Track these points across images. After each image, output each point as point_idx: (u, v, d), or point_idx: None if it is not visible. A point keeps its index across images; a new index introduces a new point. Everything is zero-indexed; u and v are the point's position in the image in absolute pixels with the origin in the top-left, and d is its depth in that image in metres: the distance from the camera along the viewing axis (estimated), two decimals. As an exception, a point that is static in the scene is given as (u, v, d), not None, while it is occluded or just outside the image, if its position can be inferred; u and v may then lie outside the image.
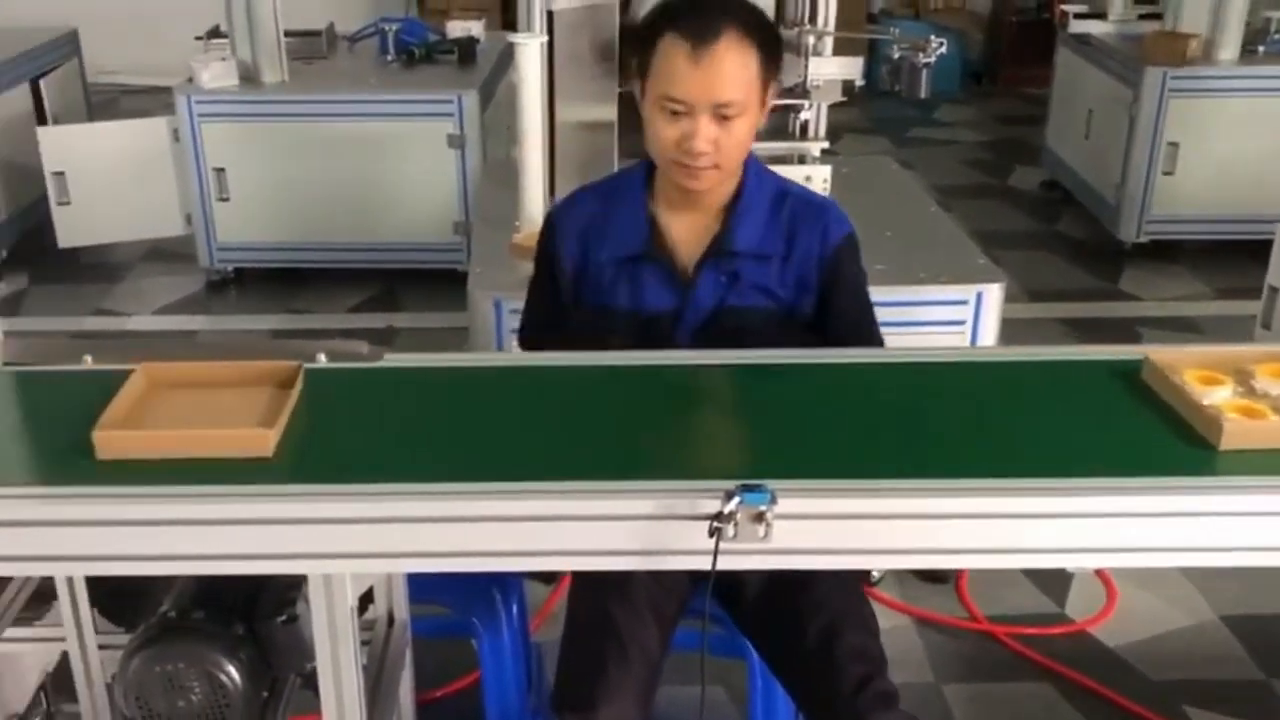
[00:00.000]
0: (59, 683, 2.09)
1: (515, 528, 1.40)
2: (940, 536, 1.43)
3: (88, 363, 1.74)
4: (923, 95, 3.05)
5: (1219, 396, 1.59)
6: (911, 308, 2.72)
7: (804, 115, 3.35)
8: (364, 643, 1.88)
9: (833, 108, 3.25)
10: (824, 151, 3.43)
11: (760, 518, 1.38)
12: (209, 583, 1.68)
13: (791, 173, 3.40)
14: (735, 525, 1.37)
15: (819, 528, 1.41)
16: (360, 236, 4.61)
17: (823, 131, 3.43)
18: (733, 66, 1.84)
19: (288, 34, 4.86)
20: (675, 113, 1.87)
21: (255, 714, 1.67)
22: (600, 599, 1.90)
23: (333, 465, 1.47)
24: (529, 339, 2.21)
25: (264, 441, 1.45)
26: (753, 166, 2.02)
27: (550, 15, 3.20)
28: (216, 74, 4.44)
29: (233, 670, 1.61)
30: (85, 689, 1.89)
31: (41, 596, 1.87)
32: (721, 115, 1.86)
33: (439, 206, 4.50)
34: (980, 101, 7.83)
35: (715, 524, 1.36)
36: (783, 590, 1.94)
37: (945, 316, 2.75)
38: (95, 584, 1.81)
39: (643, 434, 1.60)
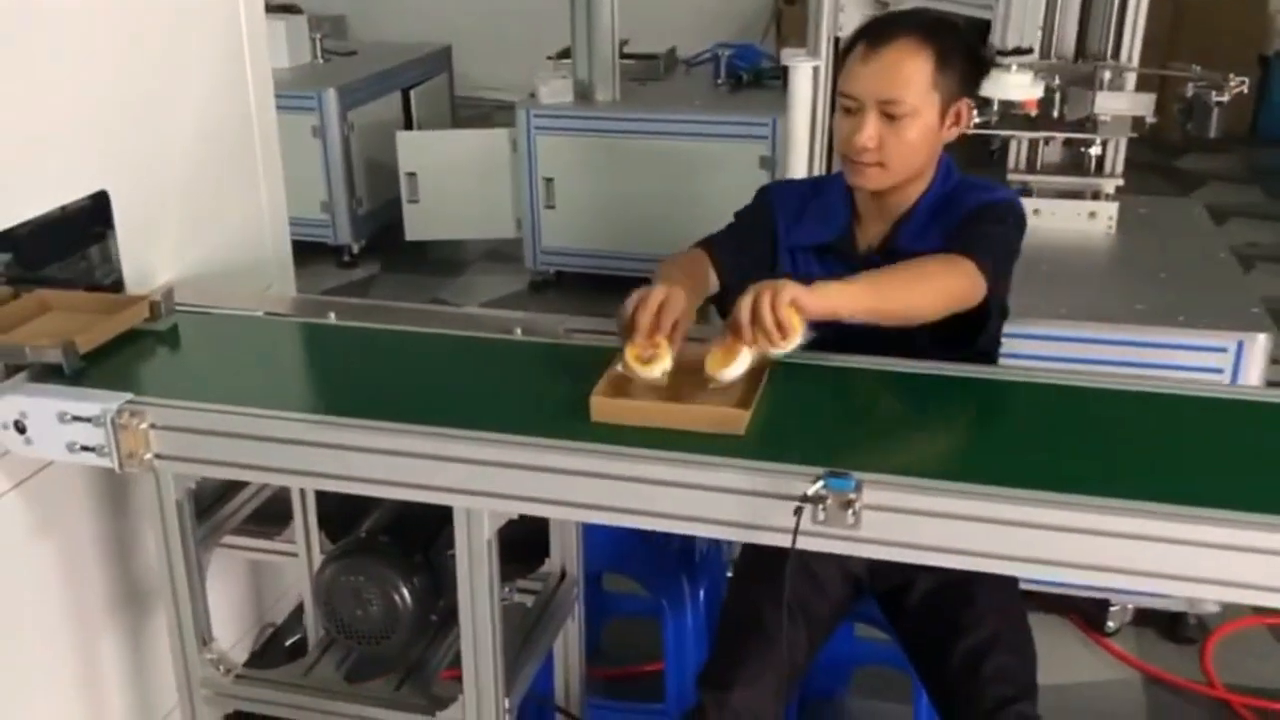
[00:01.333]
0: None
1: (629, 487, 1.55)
2: (1040, 547, 1.43)
3: (332, 319, 2.04)
4: (1211, 135, 2.90)
5: None
6: (1164, 350, 2.62)
7: (1094, 150, 3.28)
8: (534, 592, 2.08)
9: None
10: (1118, 189, 3.34)
11: (848, 504, 1.45)
12: (402, 513, 1.92)
13: (1075, 207, 3.34)
14: (825, 509, 1.45)
15: (910, 522, 1.46)
16: (669, 248, 4.75)
17: (1119, 168, 3.34)
18: (900, 66, 1.88)
19: (630, 56, 5.22)
20: (848, 110, 1.93)
21: (422, 634, 1.89)
22: (753, 595, 1.99)
23: (794, 446, 1.57)
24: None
25: (739, 421, 1.62)
26: (941, 172, 2.01)
27: (836, 41, 3.34)
28: (554, 90, 4.82)
29: (405, 591, 1.83)
30: (309, 600, 2.18)
31: (280, 516, 2.17)
32: (888, 114, 1.89)
33: (744, 225, 4.65)
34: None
35: (799, 504, 1.45)
36: (941, 603, 1.97)
37: (1201, 363, 2.62)
38: (321, 505, 2.10)
39: (793, 424, 1.70)
